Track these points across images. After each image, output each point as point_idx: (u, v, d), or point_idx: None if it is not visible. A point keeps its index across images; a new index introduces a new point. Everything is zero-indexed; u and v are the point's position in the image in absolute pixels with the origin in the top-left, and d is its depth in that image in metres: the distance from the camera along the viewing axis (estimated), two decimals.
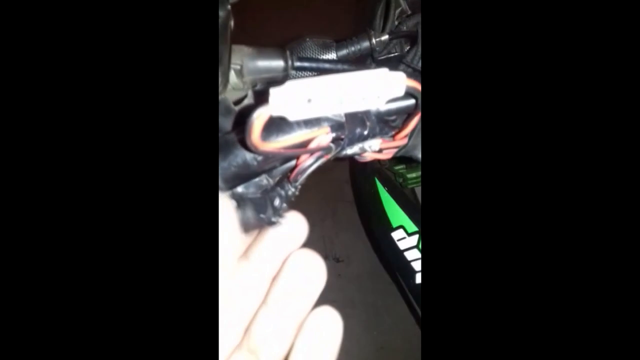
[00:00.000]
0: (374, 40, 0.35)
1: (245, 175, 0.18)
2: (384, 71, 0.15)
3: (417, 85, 0.16)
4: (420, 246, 0.47)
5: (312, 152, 0.17)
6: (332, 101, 0.15)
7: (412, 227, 0.48)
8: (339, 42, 0.37)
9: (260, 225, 0.17)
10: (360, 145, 0.19)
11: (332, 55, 0.38)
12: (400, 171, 0.55)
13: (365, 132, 0.18)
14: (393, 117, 0.19)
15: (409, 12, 0.36)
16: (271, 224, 0.16)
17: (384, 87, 0.15)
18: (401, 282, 0.51)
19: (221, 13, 0.22)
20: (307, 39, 0.38)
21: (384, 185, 0.56)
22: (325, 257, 0.60)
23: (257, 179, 0.19)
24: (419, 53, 0.32)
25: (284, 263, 0.17)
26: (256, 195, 0.18)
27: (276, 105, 0.14)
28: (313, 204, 0.96)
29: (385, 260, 0.61)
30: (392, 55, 0.34)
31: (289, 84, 0.14)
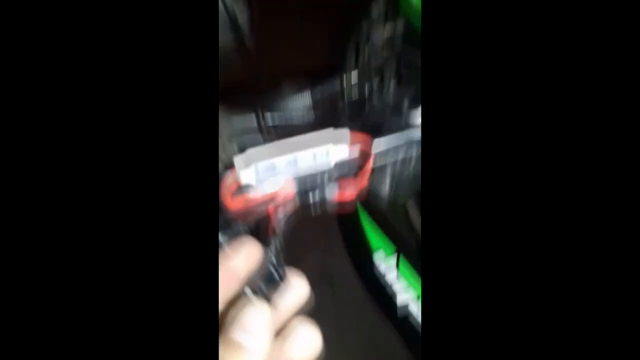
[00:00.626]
0: (344, 84, 0.38)
1: None
2: (329, 132, 0.17)
3: (363, 140, 0.18)
4: (400, 267, 0.48)
5: (278, 205, 0.19)
6: (289, 162, 0.17)
7: (391, 249, 0.50)
8: (314, 85, 0.40)
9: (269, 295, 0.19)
10: (321, 193, 0.21)
11: (306, 101, 0.41)
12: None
13: (323, 181, 0.20)
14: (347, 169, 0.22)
15: (379, 50, 0.39)
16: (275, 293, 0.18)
17: (331, 146, 0.17)
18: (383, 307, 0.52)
19: None
20: (285, 86, 0.41)
21: (365, 207, 0.57)
22: (320, 278, 0.61)
23: None
24: (390, 88, 0.35)
25: (285, 327, 0.18)
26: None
27: (241, 172, 0.16)
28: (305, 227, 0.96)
29: (366, 282, 0.62)
30: (361, 97, 0.37)
31: (250, 151, 0.17)
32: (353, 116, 0.40)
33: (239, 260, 0.19)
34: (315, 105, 0.41)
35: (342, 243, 0.75)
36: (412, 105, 0.32)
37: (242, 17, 0.41)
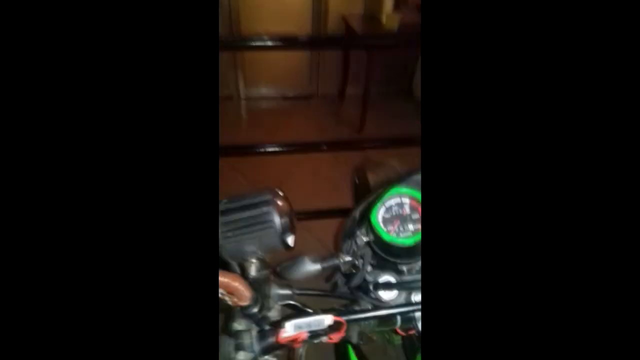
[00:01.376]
0: (341, 262, 0.60)
1: None
2: (327, 317, 0.39)
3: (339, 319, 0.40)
4: None
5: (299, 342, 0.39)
6: (307, 323, 0.38)
7: None
8: (324, 262, 0.62)
9: None
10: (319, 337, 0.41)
11: (317, 267, 0.63)
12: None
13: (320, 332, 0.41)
14: None
15: (362, 246, 0.61)
16: None
17: (327, 317, 0.39)
18: None
19: None
20: (303, 257, 0.64)
21: (358, 356, 0.72)
22: None
23: None
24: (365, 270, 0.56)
25: None
26: None
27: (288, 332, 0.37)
28: None
29: None
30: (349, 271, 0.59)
31: (291, 322, 0.38)
32: (345, 283, 0.60)
33: None
34: (322, 272, 0.63)
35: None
36: (379, 287, 0.52)
37: None
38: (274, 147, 1.11)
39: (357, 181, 0.83)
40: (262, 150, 1.10)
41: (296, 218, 0.49)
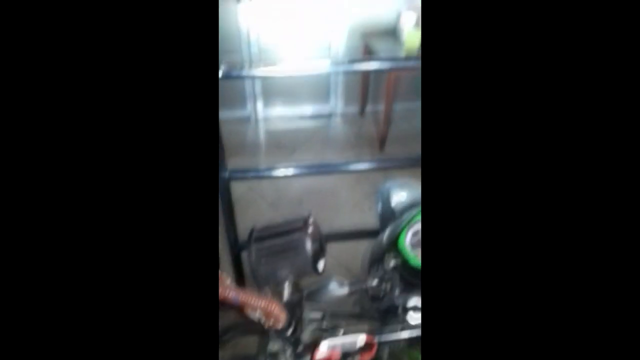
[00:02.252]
0: (369, 286, 0.61)
1: None
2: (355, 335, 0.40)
3: (370, 337, 0.41)
4: None
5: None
6: (342, 344, 0.40)
7: None
8: (351, 285, 0.64)
9: None
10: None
11: (344, 290, 0.64)
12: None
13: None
14: None
15: (389, 270, 0.62)
16: None
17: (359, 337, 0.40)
18: None
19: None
20: (331, 280, 0.65)
21: None
22: None
23: None
24: (395, 293, 0.57)
25: None
26: None
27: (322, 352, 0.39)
28: None
29: None
30: (377, 295, 0.59)
31: (325, 342, 0.39)
32: (373, 307, 0.61)
33: None
34: (349, 295, 0.64)
35: None
36: (408, 310, 0.53)
37: None
38: (292, 169, 1.13)
39: (380, 203, 0.84)
40: (281, 174, 1.12)
41: (326, 244, 0.51)
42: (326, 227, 1.58)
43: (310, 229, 0.46)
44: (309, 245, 0.43)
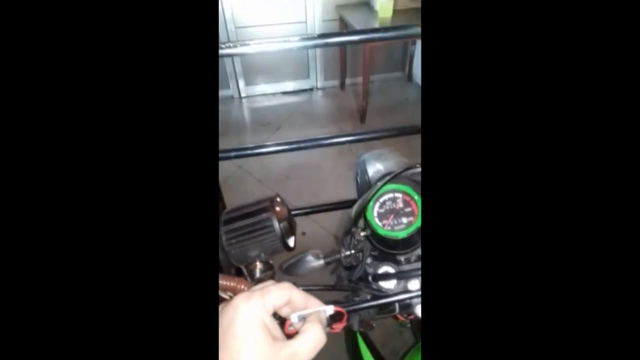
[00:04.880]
0: (342, 256, 0.64)
1: None
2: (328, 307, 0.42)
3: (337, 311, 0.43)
4: None
5: None
6: None
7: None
8: (326, 257, 0.66)
9: None
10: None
11: (320, 262, 0.67)
12: None
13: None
14: None
15: (361, 240, 0.65)
16: None
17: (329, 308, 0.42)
18: None
19: None
20: (307, 254, 0.68)
21: (365, 342, 0.77)
22: None
23: None
24: (363, 265, 0.60)
25: None
26: None
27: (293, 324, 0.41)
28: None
29: None
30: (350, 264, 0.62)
31: (295, 315, 0.42)
32: (347, 276, 0.64)
33: None
34: (326, 266, 0.67)
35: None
36: (378, 278, 0.55)
37: None
38: (278, 147, 1.14)
39: (358, 175, 0.86)
40: (267, 150, 1.13)
41: (295, 221, 0.53)
42: (312, 199, 1.58)
43: (277, 208, 0.48)
44: (276, 224, 0.45)
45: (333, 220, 1.35)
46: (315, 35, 0.98)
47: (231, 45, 1.02)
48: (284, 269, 0.58)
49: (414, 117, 2.64)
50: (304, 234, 1.62)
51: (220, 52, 1.01)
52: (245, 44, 1.00)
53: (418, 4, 2.41)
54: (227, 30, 2.73)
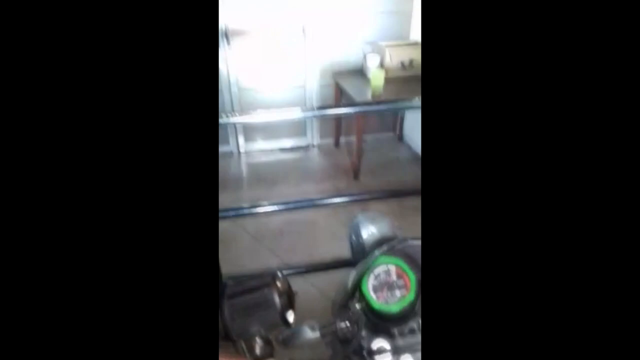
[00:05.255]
0: (337, 329, 0.66)
1: None
2: None
3: None
4: None
5: None
6: None
7: None
8: (322, 329, 0.67)
9: None
10: None
11: (316, 334, 0.68)
12: None
13: None
14: None
15: (357, 313, 0.66)
16: None
17: None
18: None
19: None
20: (303, 327, 0.69)
21: None
22: None
23: None
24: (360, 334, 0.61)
25: None
26: None
27: None
28: None
29: None
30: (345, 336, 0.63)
31: None
32: (342, 349, 0.65)
33: None
34: (321, 338, 0.67)
35: None
36: (373, 353, 0.56)
37: None
38: (273, 206, 1.19)
39: (352, 237, 0.90)
40: (264, 210, 1.18)
41: (294, 295, 0.55)
42: (306, 257, 1.58)
43: (278, 284, 0.51)
44: (277, 300, 0.48)
45: (326, 279, 1.36)
46: (315, 107, 1.07)
47: (235, 114, 1.12)
48: (281, 341, 0.59)
49: (406, 175, 2.74)
50: (295, 293, 1.60)
51: (225, 120, 1.11)
52: (248, 114, 1.09)
53: (408, 73, 2.62)
54: (230, 92, 2.92)
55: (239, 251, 2.06)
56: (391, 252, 0.63)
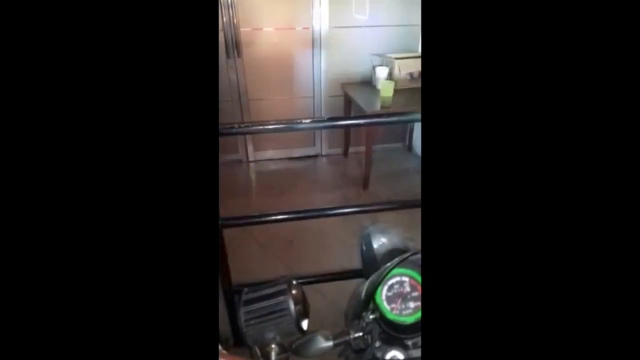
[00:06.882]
0: (351, 338, 0.65)
1: None
2: None
3: None
4: None
5: None
6: None
7: None
8: (335, 339, 0.67)
9: None
10: None
11: (329, 344, 0.68)
12: None
13: None
14: None
15: (370, 322, 0.66)
16: None
17: None
18: None
19: None
20: (316, 335, 0.69)
21: None
22: None
23: None
24: (374, 344, 0.61)
25: None
26: None
27: None
28: None
29: None
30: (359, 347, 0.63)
31: None
32: (356, 357, 0.65)
33: None
34: (335, 347, 0.67)
35: None
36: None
37: None
38: (281, 215, 1.20)
39: (363, 248, 0.90)
40: (273, 218, 1.19)
41: (309, 303, 0.56)
42: (315, 266, 1.58)
43: (294, 291, 0.51)
44: (293, 307, 0.49)
45: (335, 289, 1.35)
46: (325, 118, 1.09)
47: (243, 126, 1.14)
48: (293, 349, 0.59)
49: (415, 186, 2.73)
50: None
51: (235, 130, 1.13)
52: (257, 125, 1.11)
53: (416, 84, 2.64)
54: (240, 103, 2.96)
55: (248, 260, 2.06)
56: (405, 263, 0.63)
